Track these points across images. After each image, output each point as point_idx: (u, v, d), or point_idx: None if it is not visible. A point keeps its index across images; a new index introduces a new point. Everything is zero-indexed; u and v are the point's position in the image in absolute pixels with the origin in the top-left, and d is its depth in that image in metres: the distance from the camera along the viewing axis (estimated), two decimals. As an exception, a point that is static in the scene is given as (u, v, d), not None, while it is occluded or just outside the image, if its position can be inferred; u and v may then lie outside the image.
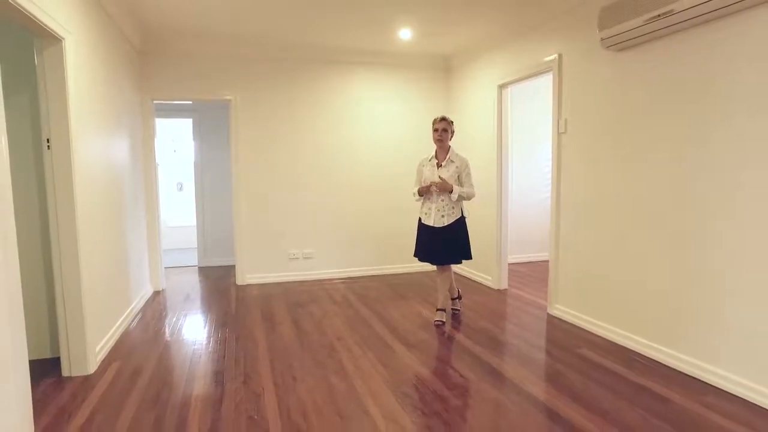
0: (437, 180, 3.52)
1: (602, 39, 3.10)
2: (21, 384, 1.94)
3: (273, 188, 5.15)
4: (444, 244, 3.56)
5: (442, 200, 3.57)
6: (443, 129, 3.55)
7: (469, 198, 3.59)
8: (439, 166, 3.58)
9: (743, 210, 2.42)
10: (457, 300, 3.96)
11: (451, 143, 3.65)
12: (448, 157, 3.58)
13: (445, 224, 3.55)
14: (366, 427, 2.21)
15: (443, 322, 3.64)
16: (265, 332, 3.54)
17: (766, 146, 2.30)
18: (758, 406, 2.35)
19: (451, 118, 3.64)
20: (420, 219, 3.71)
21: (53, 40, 2.46)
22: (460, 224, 3.60)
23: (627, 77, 3.11)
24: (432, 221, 3.58)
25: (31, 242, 2.89)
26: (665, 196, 2.86)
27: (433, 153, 3.65)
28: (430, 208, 3.60)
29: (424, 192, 3.59)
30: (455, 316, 3.85)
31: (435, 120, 3.61)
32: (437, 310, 3.75)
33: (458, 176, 3.56)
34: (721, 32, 2.49)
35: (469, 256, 3.65)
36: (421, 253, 3.68)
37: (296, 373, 2.81)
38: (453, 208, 3.57)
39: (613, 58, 3.22)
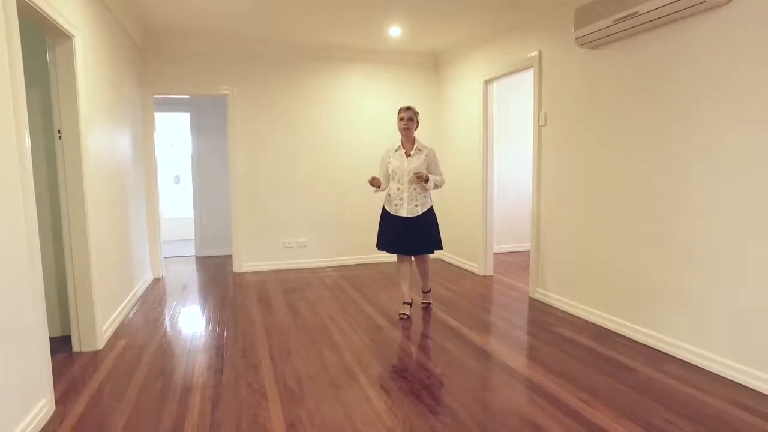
0: (407, 170, 3.51)
1: (577, 38, 3.32)
2: (43, 355, 2.14)
3: (268, 180, 5.35)
4: (419, 234, 3.54)
5: (415, 190, 3.53)
6: (409, 118, 3.52)
7: (441, 186, 3.63)
8: (408, 155, 3.55)
9: (703, 199, 2.65)
10: (428, 294, 3.89)
11: (416, 134, 3.63)
12: (415, 146, 3.56)
13: (419, 214, 3.54)
14: (355, 392, 2.43)
15: (409, 316, 3.57)
16: (262, 314, 3.75)
17: (720, 135, 2.53)
18: (709, 371, 2.59)
19: (418, 109, 3.64)
20: (385, 210, 3.65)
21: (64, 37, 2.64)
22: (431, 214, 3.62)
23: (600, 73, 3.34)
24: (405, 212, 3.53)
25: (42, 228, 3.07)
26: (633, 182, 3.08)
27: (399, 143, 3.61)
28: (402, 199, 3.53)
29: (376, 185, 3.52)
30: (427, 308, 3.82)
31: (401, 109, 3.58)
32: (403, 302, 3.64)
33: (428, 165, 3.56)
34: (681, 33, 2.71)
35: (441, 246, 3.65)
36: (392, 245, 3.59)
37: (291, 348, 3.02)
38: (425, 197, 3.56)
39: (587, 56, 3.44)
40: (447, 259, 5.58)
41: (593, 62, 3.39)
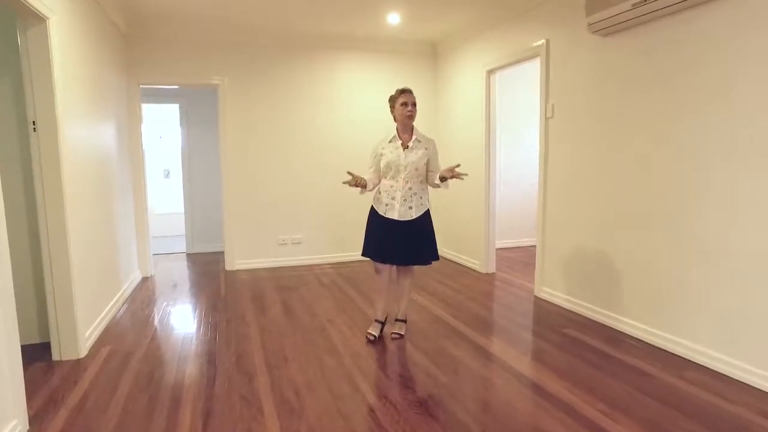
0: (404, 164, 2.90)
1: (590, 24, 3.14)
2: (13, 368, 1.94)
3: (261, 174, 5.13)
4: (410, 241, 2.93)
5: (411, 189, 2.94)
6: (413, 103, 2.92)
7: (448, 185, 2.96)
8: (405, 147, 2.95)
9: (722, 190, 2.49)
10: (404, 323, 3.15)
11: (414, 123, 3.04)
12: (414, 137, 2.97)
13: (413, 217, 2.94)
14: (358, 404, 2.26)
15: (376, 337, 3.01)
16: (256, 315, 3.57)
17: (741, 131, 2.37)
18: (733, 378, 2.45)
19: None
20: (374, 210, 3.04)
21: (38, 19, 2.42)
22: (428, 217, 3.00)
23: (612, 62, 3.16)
24: (396, 214, 2.92)
25: (18, 225, 2.86)
26: (650, 178, 2.92)
27: (395, 133, 2.99)
28: (393, 198, 2.93)
29: (361, 185, 2.90)
30: (399, 339, 3.04)
31: (402, 92, 2.93)
32: (375, 321, 3.09)
33: (428, 160, 2.99)
34: (700, 18, 2.54)
35: (437, 256, 3.04)
36: (379, 253, 2.95)
37: (287, 353, 2.84)
38: (421, 197, 2.98)
39: (599, 44, 3.26)
40: (447, 256, 5.42)
41: (605, 50, 3.21)
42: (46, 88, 2.50)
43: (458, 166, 2.86)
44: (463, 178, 2.88)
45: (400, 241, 2.93)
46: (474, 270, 4.92)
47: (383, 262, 3.00)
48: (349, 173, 2.91)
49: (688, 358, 2.69)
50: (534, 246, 6.04)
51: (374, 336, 3.01)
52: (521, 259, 5.47)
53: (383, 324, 3.11)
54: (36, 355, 2.80)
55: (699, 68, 2.58)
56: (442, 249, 5.50)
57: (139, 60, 4.62)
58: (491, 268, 4.83)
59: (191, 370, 2.63)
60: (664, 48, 2.78)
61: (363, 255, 3.08)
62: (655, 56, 2.84)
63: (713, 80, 2.51)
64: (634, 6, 2.75)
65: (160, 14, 4.31)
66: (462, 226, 5.18)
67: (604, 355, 2.77)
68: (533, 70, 4.69)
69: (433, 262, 3.05)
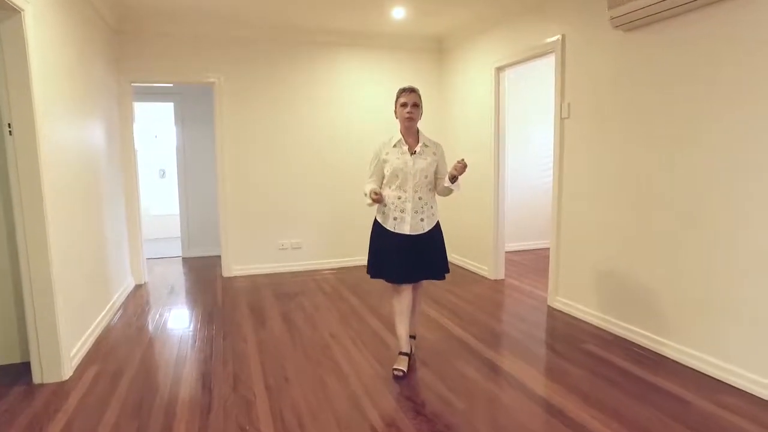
0: (412, 172, 2.59)
1: (612, 18, 2.92)
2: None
3: (259, 176, 4.91)
4: (424, 255, 2.66)
5: (421, 200, 2.64)
6: (414, 104, 2.61)
7: (459, 186, 2.63)
8: (412, 153, 2.64)
9: (756, 195, 2.28)
10: (413, 339, 2.89)
11: (418, 124, 2.73)
12: (421, 141, 2.67)
13: (425, 230, 2.66)
14: (367, 435, 2.05)
15: (405, 373, 2.59)
16: (254, 328, 3.35)
17: (792, 132, 2.16)
18: (777, 405, 2.25)
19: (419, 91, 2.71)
20: (379, 225, 2.70)
21: (10, 11, 2.19)
22: (439, 229, 2.75)
23: (634, 58, 2.94)
24: (408, 228, 2.62)
25: (-4, 237, 2.64)
26: (675, 182, 2.71)
27: (399, 137, 2.68)
28: (403, 210, 2.62)
29: (379, 201, 2.59)
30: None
31: (403, 91, 2.64)
32: (400, 353, 2.67)
33: (437, 166, 2.69)
34: (733, 13, 2.32)
35: (448, 269, 2.79)
36: (397, 273, 2.62)
37: (289, 374, 2.63)
38: (432, 207, 2.70)
39: (620, 39, 3.04)
40: (454, 261, 5.20)
41: (627, 46, 3.00)
42: (22, 87, 2.28)
43: (461, 160, 2.51)
44: (462, 162, 2.51)
45: (415, 257, 2.64)
46: (482, 276, 4.71)
47: (402, 282, 2.64)
48: (374, 192, 2.56)
49: (724, 380, 2.48)
50: (541, 249, 5.87)
51: (403, 372, 2.58)
52: (529, 263, 5.26)
53: (410, 355, 2.71)
54: (16, 376, 2.59)
55: (735, 65, 2.37)
56: (449, 254, 5.29)
57: (130, 57, 4.39)
58: (500, 275, 4.63)
59: (185, 394, 2.42)
60: (694, 43, 2.57)
61: (373, 277, 2.72)
62: (685, 52, 2.62)
63: (752, 78, 2.30)
64: (665, -3, 2.53)
65: (152, 8, 4.07)
66: (469, 230, 4.97)
67: (629, 376, 2.57)
68: (541, 65, 4.48)
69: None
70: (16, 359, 2.72)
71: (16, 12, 2.20)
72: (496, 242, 4.57)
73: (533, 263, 5.25)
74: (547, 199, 5.83)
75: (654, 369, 2.64)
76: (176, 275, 5.03)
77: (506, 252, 5.50)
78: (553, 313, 3.61)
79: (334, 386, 2.49)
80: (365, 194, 2.63)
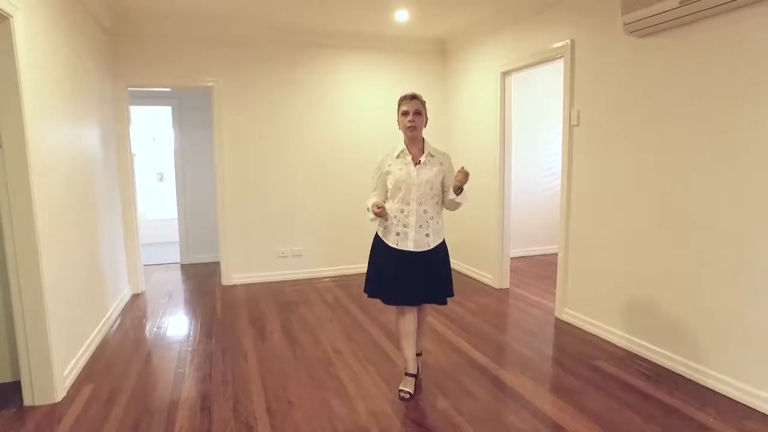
0: (416, 183, 2.43)
1: (625, 24, 2.82)
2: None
3: (259, 182, 4.80)
4: (430, 275, 2.49)
5: (426, 213, 2.48)
6: (416, 112, 2.45)
7: (466, 197, 2.47)
8: (417, 163, 2.48)
9: (788, 216, 2.19)
10: (419, 356, 2.75)
11: (424, 134, 2.58)
12: (426, 151, 2.51)
13: (431, 247, 2.49)
14: (374, 465, 1.95)
15: (412, 395, 2.48)
16: (255, 343, 3.25)
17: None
18: (801, 430, 2.16)
19: (424, 98, 2.54)
20: (380, 240, 2.55)
21: (-1, 18, 2.08)
22: (445, 247, 2.58)
23: (650, 66, 2.84)
24: (412, 244, 2.46)
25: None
26: (689, 193, 2.61)
27: (402, 147, 2.53)
28: (407, 225, 2.45)
29: (381, 215, 2.42)
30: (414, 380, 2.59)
31: (404, 99, 2.49)
32: (407, 374, 2.56)
33: (443, 177, 2.52)
34: (754, 19, 2.23)
35: (452, 293, 2.60)
36: (397, 294, 2.47)
37: (292, 396, 2.53)
38: (438, 222, 2.52)
39: (633, 45, 2.94)
40: (458, 269, 5.10)
41: (642, 53, 2.90)
42: (11, 96, 2.16)
43: (462, 168, 2.36)
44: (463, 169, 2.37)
45: (417, 277, 2.46)
46: (487, 284, 4.61)
47: (398, 303, 2.50)
48: (376, 206, 2.42)
49: (747, 404, 2.38)
50: (546, 255, 5.77)
51: (409, 394, 2.47)
52: (534, 270, 5.17)
53: (416, 376, 2.60)
54: (6, 397, 2.48)
55: (755, 74, 2.27)
56: (453, 261, 5.20)
57: (126, 61, 4.27)
58: (505, 283, 4.53)
59: (183, 419, 2.31)
60: (712, 51, 2.47)
61: (370, 296, 2.57)
62: (702, 60, 2.52)
63: (764, 88, 2.20)
64: (682, 3, 2.43)
65: (148, 11, 3.96)
66: (474, 237, 4.87)
67: (643, 396, 2.47)
68: (545, 69, 4.36)
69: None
70: (7, 378, 2.61)
71: (4, 19, 2.08)
72: (501, 250, 4.47)
73: (537, 270, 5.15)
74: (550, 205, 5.75)
75: (670, 389, 2.55)
76: (174, 284, 4.92)
77: (510, 258, 5.42)
78: (562, 326, 3.52)
79: (339, 410, 2.39)
80: (367, 209, 2.48)
